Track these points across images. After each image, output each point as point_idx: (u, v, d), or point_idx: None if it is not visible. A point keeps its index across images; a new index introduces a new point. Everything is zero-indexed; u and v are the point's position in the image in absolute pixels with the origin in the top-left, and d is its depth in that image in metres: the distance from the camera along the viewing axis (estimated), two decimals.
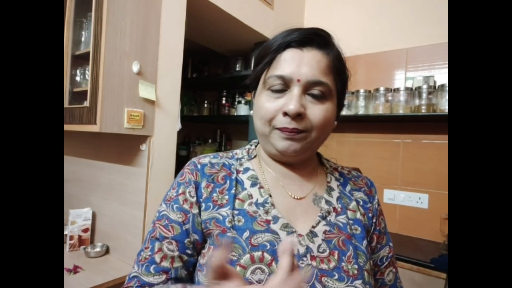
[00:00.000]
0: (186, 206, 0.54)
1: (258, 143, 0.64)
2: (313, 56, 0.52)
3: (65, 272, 1.16)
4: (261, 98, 0.54)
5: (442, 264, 1.33)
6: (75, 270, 1.18)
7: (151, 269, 0.52)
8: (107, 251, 1.38)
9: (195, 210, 0.54)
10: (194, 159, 0.59)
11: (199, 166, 0.57)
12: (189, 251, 0.53)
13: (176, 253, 0.52)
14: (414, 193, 1.79)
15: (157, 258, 0.52)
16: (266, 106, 0.52)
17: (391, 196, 1.86)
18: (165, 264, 0.52)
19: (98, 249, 1.35)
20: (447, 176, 1.67)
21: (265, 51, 0.54)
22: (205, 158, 0.59)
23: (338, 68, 0.55)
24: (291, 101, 0.50)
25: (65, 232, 1.37)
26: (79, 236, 1.39)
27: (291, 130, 0.51)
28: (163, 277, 0.51)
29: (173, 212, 0.54)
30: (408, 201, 1.81)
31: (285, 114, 0.50)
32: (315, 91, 0.51)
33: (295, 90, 0.51)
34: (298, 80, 0.51)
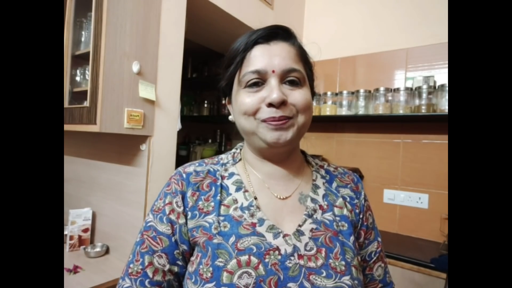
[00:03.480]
0: (173, 217, 0.54)
1: (242, 146, 0.65)
2: (281, 47, 0.54)
3: (65, 272, 1.15)
4: (240, 97, 0.54)
5: (442, 264, 1.33)
6: (75, 270, 1.18)
7: (146, 283, 0.52)
8: (107, 251, 1.38)
9: (182, 220, 0.54)
10: (179, 169, 0.60)
11: (184, 175, 0.58)
12: (179, 262, 0.54)
13: (167, 267, 0.53)
14: (414, 193, 1.79)
15: (149, 272, 0.52)
16: (247, 101, 0.53)
17: (391, 196, 1.86)
18: (158, 278, 0.53)
19: (98, 249, 1.35)
20: (447, 176, 1.67)
21: (233, 53, 0.56)
22: (190, 167, 0.59)
23: (304, 56, 0.58)
24: (273, 91, 0.51)
25: (65, 232, 1.37)
26: (79, 236, 1.39)
27: (279, 118, 0.51)
28: None
29: (161, 223, 0.54)
30: (408, 201, 1.81)
31: (270, 105, 0.51)
32: (291, 78, 0.53)
33: (273, 80, 0.52)
34: (273, 71, 0.52)
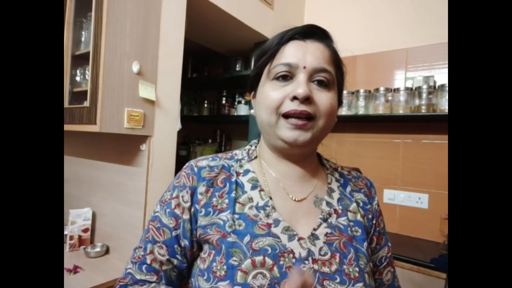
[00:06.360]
0: (177, 211, 0.54)
1: (257, 143, 0.64)
2: (316, 47, 0.54)
3: (65, 272, 1.15)
4: (266, 89, 0.54)
5: (442, 264, 1.33)
6: (75, 270, 1.18)
7: (143, 268, 0.54)
8: (107, 251, 1.38)
9: (186, 216, 0.54)
10: (192, 162, 0.59)
11: (196, 169, 0.57)
12: (178, 257, 0.54)
13: (166, 257, 0.54)
14: (414, 193, 1.79)
15: (148, 259, 0.54)
16: (272, 94, 0.52)
17: (391, 196, 1.86)
18: (155, 266, 0.54)
19: (98, 249, 1.35)
20: (447, 176, 1.67)
21: (268, 45, 0.56)
22: (203, 161, 0.58)
23: (338, 61, 0.58)
24: (299, 85, 0.50)
25: (65, 232, 1.37)
26: (79, 236, 1.39)
27: (300, 112, 0.50)
28: (154, 277, 0.54)
29: (165, 216, 0.55)
30: (408, 201, 1.81)
31: (294, 98, 0.50)
32: (320, 77, 0.52)
33: (301, 76, 0.51)
34: (304, 67, 0.52)
